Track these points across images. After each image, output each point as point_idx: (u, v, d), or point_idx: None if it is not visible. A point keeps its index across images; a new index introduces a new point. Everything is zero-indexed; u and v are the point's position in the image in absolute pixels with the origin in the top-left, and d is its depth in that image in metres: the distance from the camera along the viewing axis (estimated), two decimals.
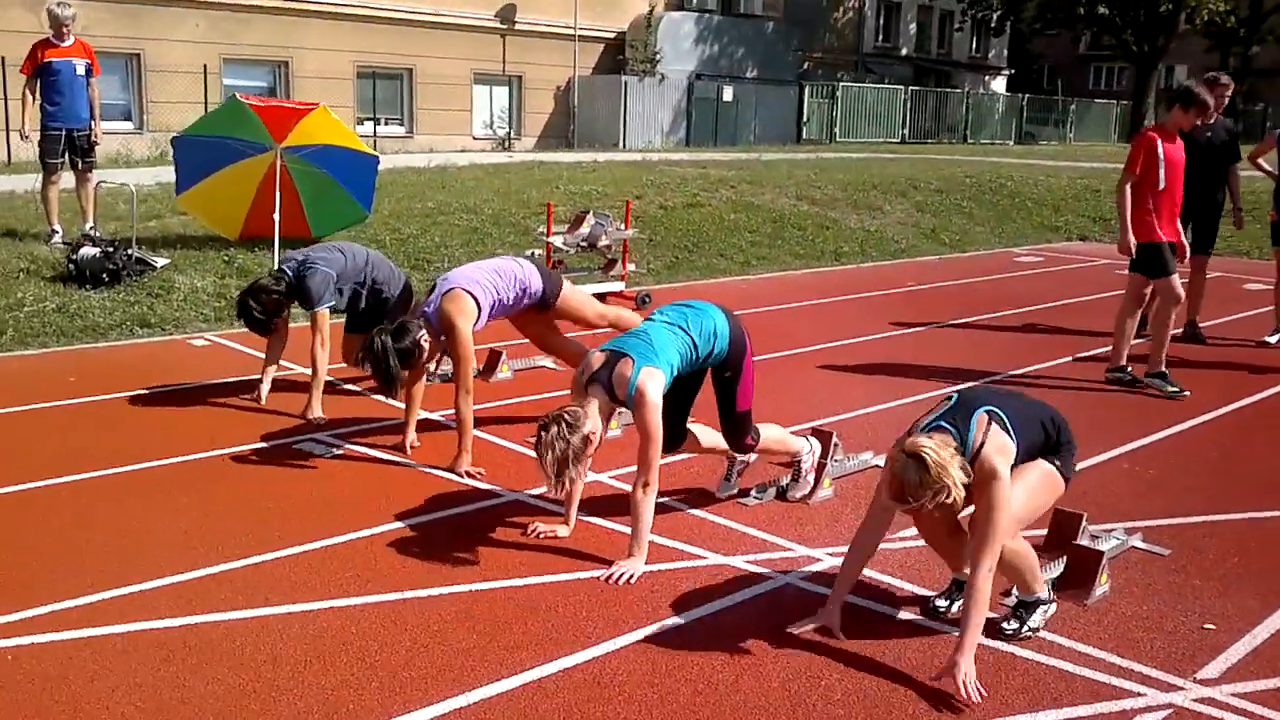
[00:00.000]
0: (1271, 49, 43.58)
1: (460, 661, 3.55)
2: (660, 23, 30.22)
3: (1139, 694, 3.48)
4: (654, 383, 4.24)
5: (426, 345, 5.25)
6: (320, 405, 6.11)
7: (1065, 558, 4.28)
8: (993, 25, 42.65)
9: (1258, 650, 3.79)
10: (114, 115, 22.01)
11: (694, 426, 4.86)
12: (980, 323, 9.50)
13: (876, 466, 5.48)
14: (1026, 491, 3.67)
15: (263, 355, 6.61)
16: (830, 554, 4.49)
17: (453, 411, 5.36)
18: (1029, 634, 3.82)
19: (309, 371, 6.26)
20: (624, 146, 27.71)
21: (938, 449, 3.36)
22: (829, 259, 12.91)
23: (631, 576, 4.18)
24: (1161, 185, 7.20)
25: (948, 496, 3.35)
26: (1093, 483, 5.37)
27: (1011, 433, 3.60)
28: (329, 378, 6.43)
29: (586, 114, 29.39)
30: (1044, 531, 4.54)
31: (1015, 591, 3.90)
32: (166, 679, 3.39)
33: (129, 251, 8.92)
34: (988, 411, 3.59)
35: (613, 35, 30.35)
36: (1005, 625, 3.84)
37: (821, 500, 5.11)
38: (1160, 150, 7.17)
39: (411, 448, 5.59)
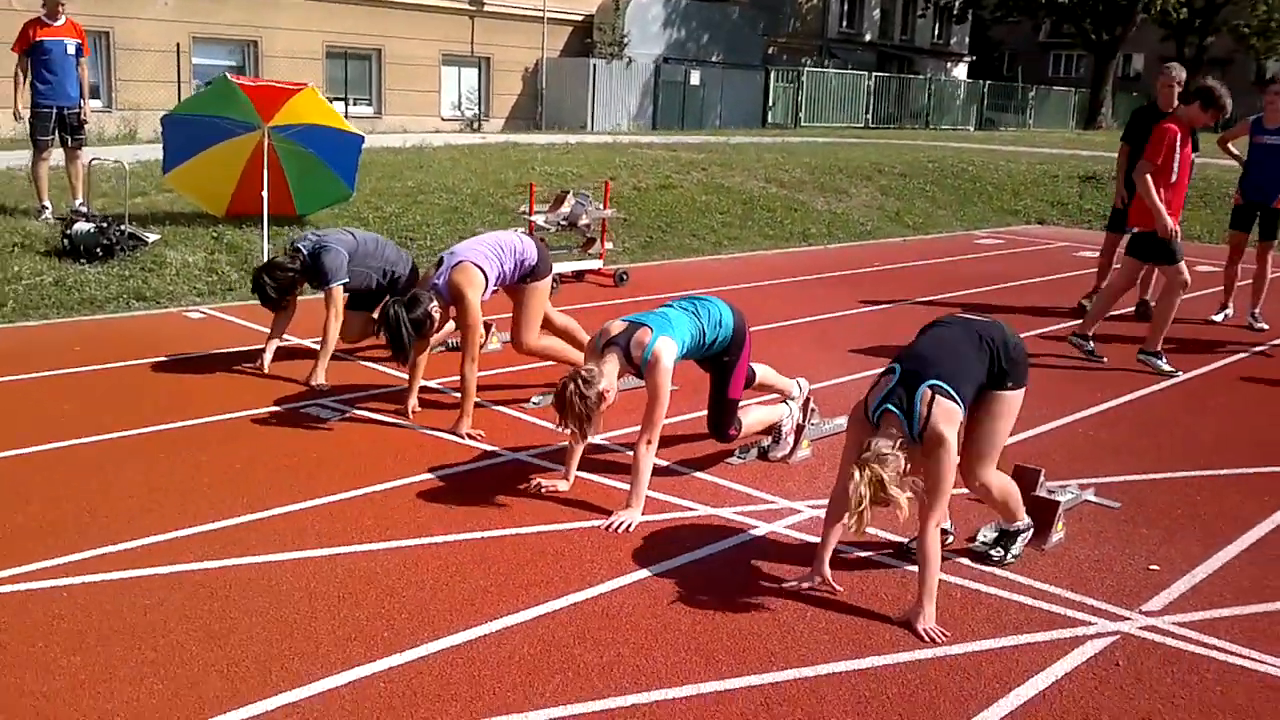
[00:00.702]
0: (1225, 39, 44.43)
1: (480, 597, 3.90)
2: (628, 6, 30.47)
3: (1090, 623, 3.89)
4: (668, 351, 4.65)
5: (437, 315, 5.58)
6: (325, 373, 6.41)
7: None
8: (955, 12, 43.22)
9: (1197, 587, 4.22)
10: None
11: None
12: (943, 300, 9.91)
13: None
14: (998, 430, 4.10)
15: (260, 328, 6.91)
16: (809, 505, 4.87)
17: (448, 380, 5.69)
18: (1012, 559, 4.27)
19: (310, 343, 6.56)
20: (591, 129, 27.96)
21: (886, 482, 3.63)
22: (797, 240, 13.30)
23: (630, 525, 4.54)
24: (1174, 177, 7.56)
25: (868, 485, 3.66)
26: (1050, 444, 5.80)
27: (956, 396, 3.87)
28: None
29: (554, 96, 29.62)
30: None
31: (1001, 522, 4.33)
32: (214, 611, 3.72)
33: (121, 227, 9.15)
34: (930, 387, 3.84)
35: (581, 18, 30.58)
36: (992, 553, 4.28)
37: (800, 459, 5.49)
38: (1178, 144, 7.52)
39: (413, 412, 5.91)
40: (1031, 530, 4.43)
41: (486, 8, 28.44)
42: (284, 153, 10.05)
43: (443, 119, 27.89)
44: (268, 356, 6.72)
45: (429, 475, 5.09)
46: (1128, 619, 3.93)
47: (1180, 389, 7.22)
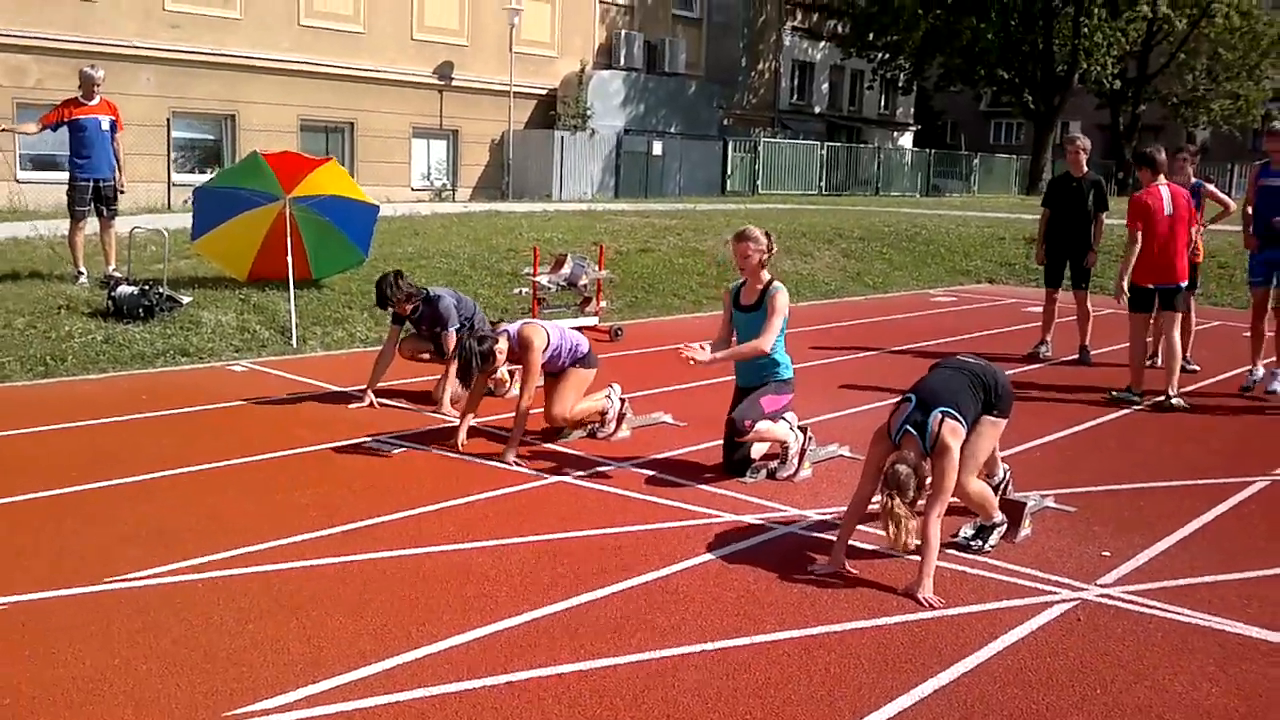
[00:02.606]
0: (1156, 107, 46.66)
1: (563, 579, 4.76)
2: (590, 81, 31.74)
3: (1056, 593, 4.81)
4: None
5: (501, 355, 6.52)
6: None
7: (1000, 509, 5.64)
8: (900, 85, 45.04)
9: (1141, 567, 5.16)
10: (64, 166, 22.77)
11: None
12: (907, 350, 10.92)
13: (842, 455, 6.84)
14: (983, 449, 5.15)
15: (297, 378, 7.79)
16: (816, 514, 5.78)
17: (485, 419, 6.60)
18: (990, 549, 5.24)
19: (348, 389, 7.42)
20: (557, 197, 29.04)
21: (901, 495, 4.68)
22: None
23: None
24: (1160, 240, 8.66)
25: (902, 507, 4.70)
26: (1016, 464, 6.73)
27: (961, 419, 4.96)
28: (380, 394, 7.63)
29: (520, 166, 30.70)
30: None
31: (979, 520, 5.30)
32: (352, 592, 4.55)
33: (160, 290, 9.96)
34: (943, 412, 4.93)
35: (545, 92, 31.78)
36: (973, 544, 5.23)
37: (803, 479, 6.41)
38: (1151, 211, 8.61)
39: (461, 445, 6.76)
40: (1005, 526, 5.38)
41: (455, 83, 29.55)
42: (303, 221, 10.90)
43: (413, 189, 28.83)
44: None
45: (492, 493, 5.95)
46: (1086, 590, 4.86)
47: (1124, 420, 8.23)
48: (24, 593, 4.46)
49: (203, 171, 25.25)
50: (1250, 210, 9.18)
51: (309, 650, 4.03)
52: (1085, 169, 10.38)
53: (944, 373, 5.27)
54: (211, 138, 25.90)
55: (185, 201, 21.53)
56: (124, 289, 9.78)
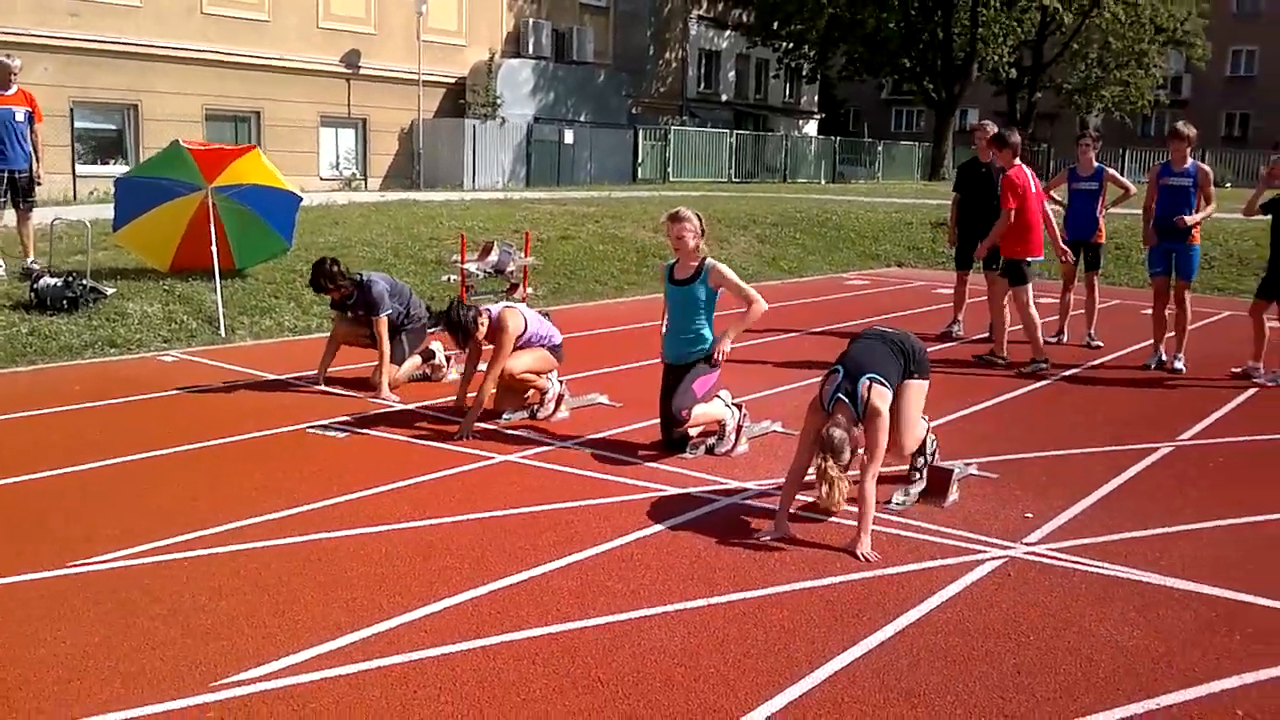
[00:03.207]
0: (1050, 95, 48.06)
1: (521, 552, 4.95)
2: (500, 70, 31.73)
3: (985, 551, 5.13)
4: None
5: (483, 328, 6.93)
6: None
7: (927, 477, 5.96)
8: (805, 74, 45.72)
9: (1062, 526, 5.51)
10: None
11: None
12: (826, 331, 11.27)
13: (775, 431, 7.11)
14: (914, 409, 5.46)
15: (228, 366, 7.85)
16: (756, 485, 6.04)
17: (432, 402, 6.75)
18: (910, 506, 5.67)
19: (283, 376, 7.49)
20: (470, 186, 29.01)
21: (836, 458, 5.03)
22: None
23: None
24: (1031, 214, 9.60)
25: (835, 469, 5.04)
26: (939, 436, 7.07)
27: (886, 382, 5.28)
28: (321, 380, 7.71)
29: (431, 155, 30.59)
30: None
31: (907, 487, 5.71)
32: (322, 570, 4.68)
33: (84, 282, 9.86)
34: (870, 379, 5.25)
35: (454, 80, 31.70)
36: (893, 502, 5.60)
37: (740, 453, 6.66)
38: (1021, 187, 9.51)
39: (468, 438, 6.82)
40: (924, 482, 5.82)
41: (362, 71, 29.32)
42: (226, 210, 10.87)
43: (321, 178, 28.57)
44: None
45: (441, 473, 6.10)
46: (1013, 548, 5.19)
47: (1038, 393, 8.64)
48: None
49: (105, 163, 24.77)
50: (1153, 207, 9.62)
51: (284, 624, 4.16)
52: (991, 154, 10.81)
53: (865, 343, 5.59)
54: (114, 128, 25.39)
55: (91, 193, 21.23)
56: (47, 280, 9.67)
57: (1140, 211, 10.10)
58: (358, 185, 28.32)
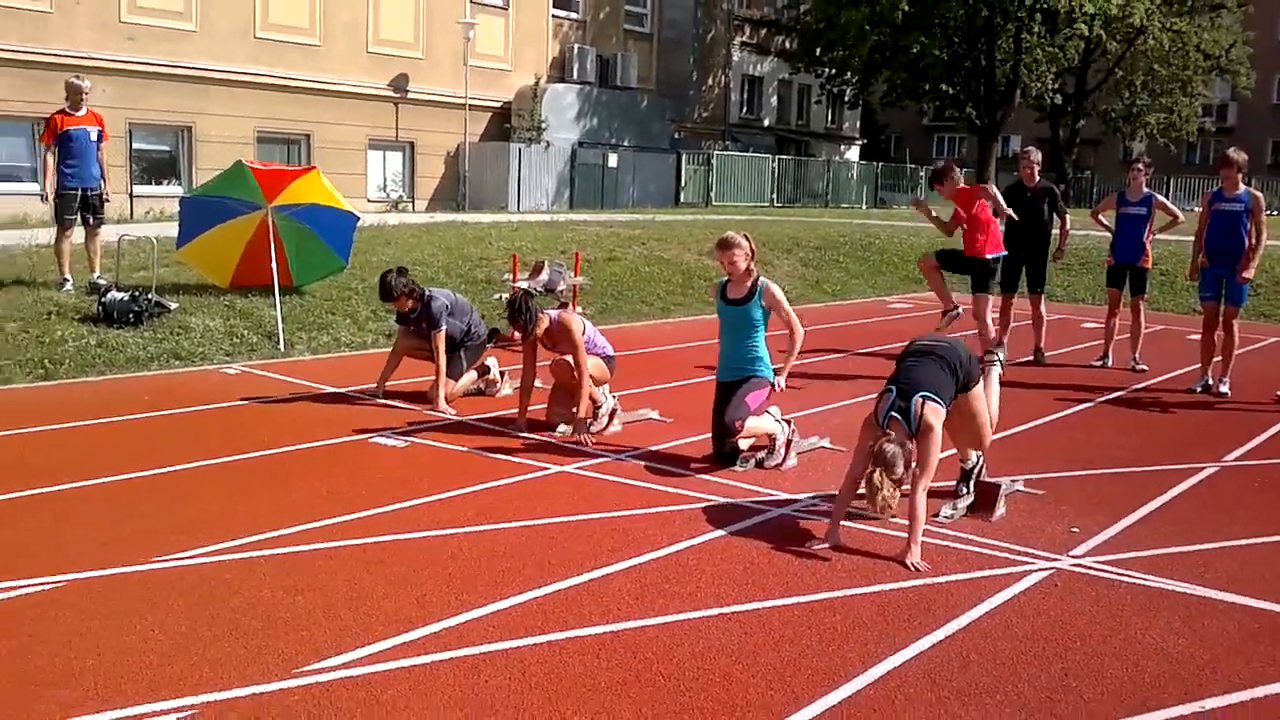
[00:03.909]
0: (1095, 122, 47.93)
1: (581, 556, 5.13)
2: (545, 94, 32.13)
3: (1032, 563, 5.26)
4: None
5: (543, 322, 7.29)
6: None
7: (975, 491, 6.10)
8: (847, 100, 45.85)
9: (1108, 540, 5.63)
10: (22, 177, 22.78)
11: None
12: (874, 352, 11.41)
13: (824, 446, 7.27)
14: (982, 413, 5.81)
15: (289, 380, 8.14)
16: (807, 497, 6.20)
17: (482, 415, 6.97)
18: (960, 517, 5.84)
19: (343, 389, 7.73)
20: (514, 209, 29.36)
21: (888, 471, 5.23)
22: None
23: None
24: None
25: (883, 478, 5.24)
26: (985, 453, 7.19)
27: (940, 400, 5.42)
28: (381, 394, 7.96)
29: (476, 178, 30.99)
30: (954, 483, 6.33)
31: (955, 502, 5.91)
32: (385, 568, 4.88)
33: (149, 296, 10.18)
34: (923, 396, 5.40)
35: (500, 104, 32.12)
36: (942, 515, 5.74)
37: (789, 467, 6.82)
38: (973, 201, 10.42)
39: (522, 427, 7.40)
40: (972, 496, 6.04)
41: (410, 95, 29.81)
42: (285, 229, 11.17)
43: (369, 200, 29.01)
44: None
45: (500, 482, 6.30)
46: (1060, 560, 5.31)
47: (1075, 417, 8.74)
48: (76, 572, 4.74)
49: (160, 183, 25.33)
50: (1204, 234, 9.62)
51: (360, 617, 4.36)
52: (1037, 180, 10.97)
53: (916, 359, 5.71)
54: (168, 149, 25.96)
55: (148, 212, 21.71)
56: (114, 295, 10.00)
57: (1185, 238, 10.18)
58: (404, 207, 28.75)
